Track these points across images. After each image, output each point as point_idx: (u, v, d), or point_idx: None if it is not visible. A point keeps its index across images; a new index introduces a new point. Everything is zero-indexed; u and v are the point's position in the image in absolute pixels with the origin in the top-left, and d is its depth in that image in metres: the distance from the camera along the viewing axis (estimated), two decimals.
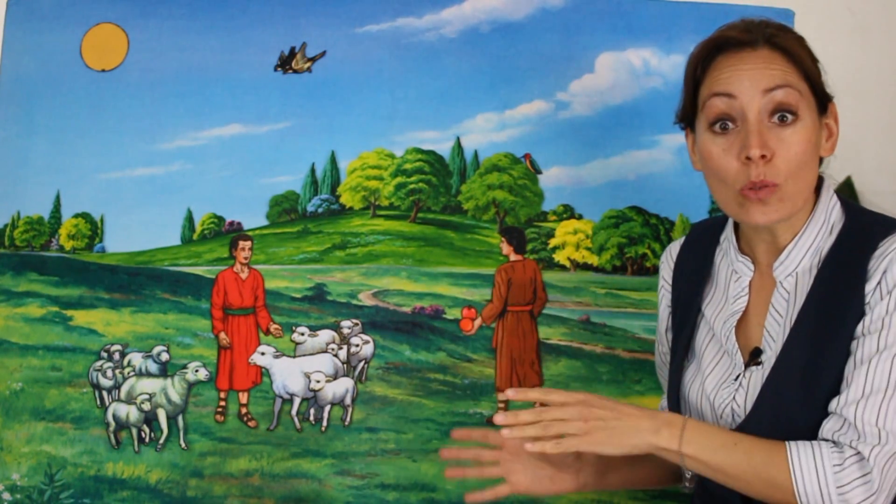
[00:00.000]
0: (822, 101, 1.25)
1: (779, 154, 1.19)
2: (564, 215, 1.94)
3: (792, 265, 1.27)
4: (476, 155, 1.95)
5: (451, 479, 1.43)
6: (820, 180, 1.29)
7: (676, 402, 1.37)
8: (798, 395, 1.20)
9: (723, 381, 1.30)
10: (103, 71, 1.96)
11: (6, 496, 1.87)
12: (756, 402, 1.24)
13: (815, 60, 1.25)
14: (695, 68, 1.27)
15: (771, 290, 1.29)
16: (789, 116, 1.20)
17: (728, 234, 1.36)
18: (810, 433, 1.19)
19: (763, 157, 1.18)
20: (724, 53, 1.24)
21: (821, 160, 1.29)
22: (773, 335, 1.27)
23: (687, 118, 1.32)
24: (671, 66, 1.93)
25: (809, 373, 1.20)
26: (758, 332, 1.29)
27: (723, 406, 1.28)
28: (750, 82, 1.21)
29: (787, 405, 1.21)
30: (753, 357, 1.28)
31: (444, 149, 1.95)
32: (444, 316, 1.92)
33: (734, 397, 1.27)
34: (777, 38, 1.23)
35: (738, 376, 1.28)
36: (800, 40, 1.25)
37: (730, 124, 1.22)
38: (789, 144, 1.20)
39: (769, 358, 1.26)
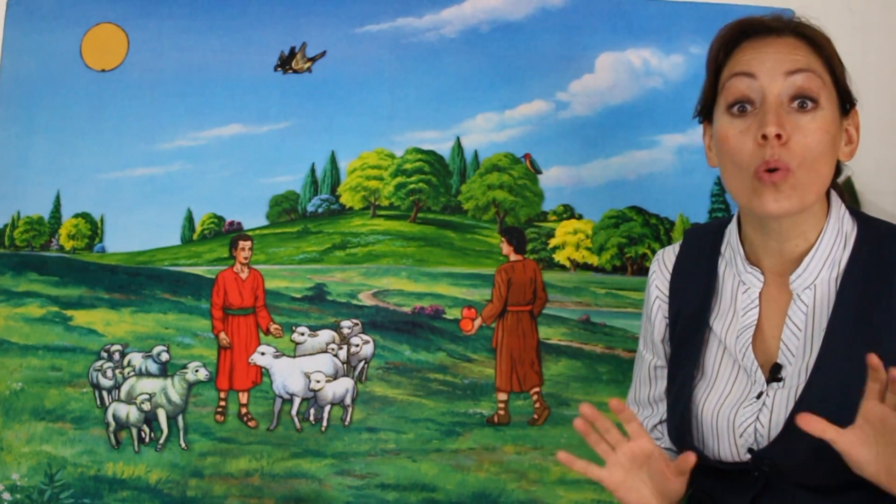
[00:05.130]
0: (845, 102, 1.24)
1: (795, 139, 1.17)
2: (564, 215, 1.94)
3: (810, 277, 1.25)
4: (476, 155, 1.95)
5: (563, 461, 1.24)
6: (828, 191, 1.27)
7: (682, 420, 1.31)
8: (834, 413, 1.13)
9: (742, 399, 1.26)
10: (103, 71, 1.96)
11: (6, 496, 1.87)
12: (788, 421, 1.19)
13: (840, 61, 1.24)
14: (718, 51, 1.26)
15: (783, 301, 1.27)
16: (809, 103, 1.19)
17: (733, 244, 1.33)
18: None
19: (778, 137, 1.16)
20: (749, 38, 1.23)
21: (838, 168, 1.27)
22: (793, 349, 1.24)
23: (706, 107, 1.30)
24: (671, 66, 1.93)
25: (847, 390, 1.14)
26: (773, 346, 1.26)
27: (744, 426, 1.24)
28: (772, 63, 1.19)
29: None
30: (773, 373, 1.24)
31: (444, 149, 1.95)
32: (444, 316, 1.92)
33: (758, 417, 1.23)
34: (804, 28, 1.22)
35: (759, 394, 1.25)
36: (827, 38, 1.24)
37: (748, 107, 1.21)
38: (807, 131, 1.18)
39: (791, 374, 1.23)
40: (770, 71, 1.19)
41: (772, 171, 1.17)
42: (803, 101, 1.19)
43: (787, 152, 1.17)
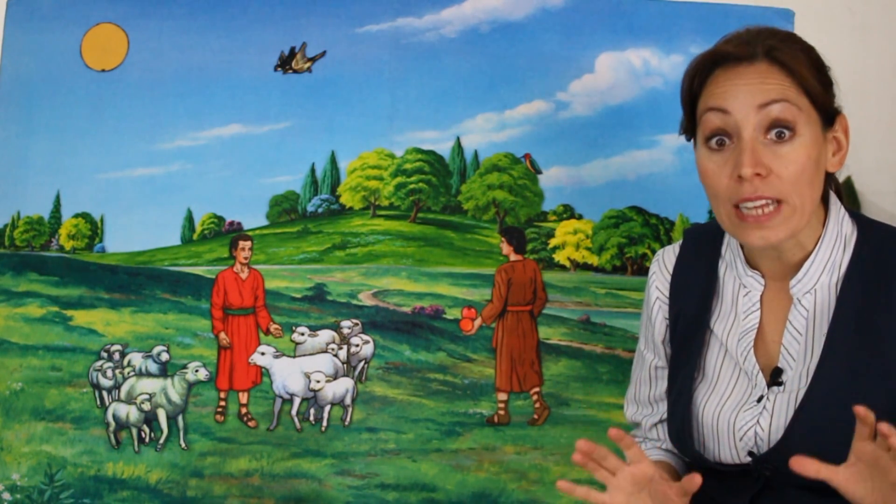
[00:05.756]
0: (828, 114, 1.21)
1: (775, 171, 1.16)
2: (564, 215, 1.94)
3: (810, 282, 1.24)
4: (476, 155, 1.95)
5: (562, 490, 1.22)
6: (826, 193, 1.25)
7: (682, 421, 1.32)
8: (836, 418, 1.14)
9: (743, 402, 1.26)
10: (103, 71, 1.96)
11: (6, 496, 1.87)
12: (789, 427, 1.20)
13: (821, 72, 1.21)
14: (691, 82, 1.24)
15: (784, 305, 1.26)
16: (786, 132, 1.17)
17: (733, 247, 1.32)
18: (846, 454, 1.13)
19: (758, 175, 1.15)
20: (721, 67, 1.21)
21: (830, 176, 1.26)
22: (794, 354, 1.24)
23: (688, 131, 1.29)
24: (671, 66, 1.93)
25: (847, 395, 1.14)
26: (774, 350, 1.26)
27: (744, 429, 1.24)
28: (745, 97, 1.17)
29: (823, 429, 1.16)
30: (774, 377, 1.24)
31: (444, 149, 1.95)
32: (444, 316, 1.92)
33: (758, 421, 1.24)
34: (776, 50, 1.18)
35: (760, 398, 1.25)
36: (805, 52, 1.21)
37: (726, 140, 1.20)
38: (786, 162, 1.16)
39: (791, 378, 1.23)
40: (743, 105, 1.17)
41: (754, 204, 1.16)
42: (780, 131, 1.17)
43: (768, 186, 1.16)
